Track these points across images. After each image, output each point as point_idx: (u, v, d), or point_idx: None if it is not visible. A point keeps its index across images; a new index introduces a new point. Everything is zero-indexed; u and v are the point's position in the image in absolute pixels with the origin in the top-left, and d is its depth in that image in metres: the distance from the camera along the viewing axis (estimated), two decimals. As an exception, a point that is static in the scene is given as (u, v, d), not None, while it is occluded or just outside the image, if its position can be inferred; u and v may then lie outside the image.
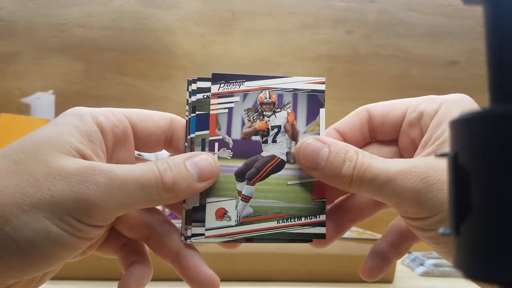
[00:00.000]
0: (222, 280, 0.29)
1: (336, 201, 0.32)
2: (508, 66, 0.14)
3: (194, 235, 0.29)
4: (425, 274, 0.70)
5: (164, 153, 0.33)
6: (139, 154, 0.40)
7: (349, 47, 1.07)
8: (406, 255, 0.80)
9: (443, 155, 0.16)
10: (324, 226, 0.29)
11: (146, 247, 0.31)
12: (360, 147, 0.29)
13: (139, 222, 0.29)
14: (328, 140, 0.28)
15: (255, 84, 0.30)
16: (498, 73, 0.14)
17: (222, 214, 0.29)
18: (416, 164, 0.26)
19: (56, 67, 1.03)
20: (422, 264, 0.72)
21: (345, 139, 0.31)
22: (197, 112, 0.29)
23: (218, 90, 0.30)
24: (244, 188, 0.29)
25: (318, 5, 1.07)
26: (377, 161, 0.26)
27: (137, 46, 1.04)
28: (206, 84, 0.30)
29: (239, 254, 0.60)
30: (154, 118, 0.30)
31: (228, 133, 0.30)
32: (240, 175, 0.29)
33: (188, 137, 0.29)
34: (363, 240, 0.64)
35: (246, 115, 0.30)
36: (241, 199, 0.29)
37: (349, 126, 0.31)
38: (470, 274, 0.14)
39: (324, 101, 0.30)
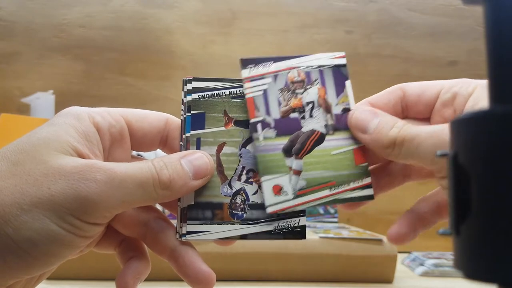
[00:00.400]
0: (222, 280, 0.29)
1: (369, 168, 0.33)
2: (508, 67, 0.14)
3: (189, 232, 0.29)
4: (425, 274, 0.70)
5: (163, 152, 0.33)
6: (138, 154, 0.40)
7: (349, 47, 1.07)
8: (406, 255, 0.80)
9: (443, 155, 0.16)
10: (371, 187, 0.31)
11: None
12: None
13: (134, 220, 0.30)
14: (380, 112, 0.30)
15: (283, 65, 0.31)
16: (498, 73, 0.14)
17: (278, 190, 0.30)
18: None
19: (56, 67, 1.03)
20: (422, 264, 0.72)
21: None
22: (192, 112, 0.30)
23: (249, 74, 0.31)
24: (294, 163, 0.30)
25: (318, 5, 1.07)
26: (420, 126, 0.28)
27: (137, 46, 1.04)
28: (201, 84, 0.30)
29: (239, 254, 0.60)
30: (150, 118, 0.30)
31: (268, 113, 0.31)
32: (287, 151, 0.31)
33: (183, 136, 0.30)
34: (363, 240, 0.64)
35: (280, 94, 0.31)
36: (293, 173, 0.30)
37: (383, 102, 0.32)
38: (470, 274, 0.14)
39: (347, 74, 0.32)
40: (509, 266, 0.13)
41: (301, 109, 0.31)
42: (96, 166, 0.25)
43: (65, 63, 1.03)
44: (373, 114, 0.30)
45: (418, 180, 0.33)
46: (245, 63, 0.31)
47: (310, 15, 1.07)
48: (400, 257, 0.73)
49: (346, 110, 0.31)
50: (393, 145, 0.29)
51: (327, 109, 0.31)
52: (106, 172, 0.25)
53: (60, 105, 0.94)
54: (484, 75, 0.15)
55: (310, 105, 0.31)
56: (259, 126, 0.30)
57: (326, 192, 0.30)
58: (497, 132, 0.13)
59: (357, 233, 0.69)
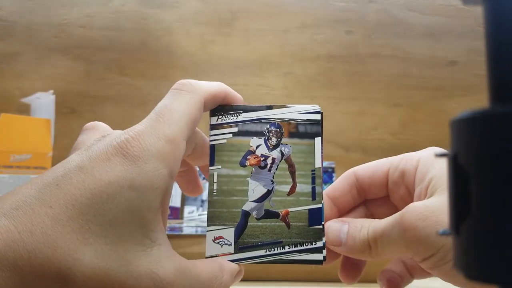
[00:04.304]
0: (222, 280, 0.29)
1: None
2: (508, 66, 0.14)
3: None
4: (425, 274, 0.70)
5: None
6: None
7: (349, 47, 1.07)
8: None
9: (443, 155, 0.16)
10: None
11: None
12: (353, 208, 0.33)
13: None
14: (347, 219, 0.31)
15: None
16: (498, 73, 0.14)
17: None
18: (414, 208, 0.27)
19: (56, 67, 1.03)
20: (422, 264, 0.72)
21: (337, 203, 0.33)
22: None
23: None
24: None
25: (318, 5, 1.07)
26: (384, 220, 0.28)
27: (137, 46, 1.04)
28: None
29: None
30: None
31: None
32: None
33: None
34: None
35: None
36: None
37: (339, 191, 0.33)
38: (470, 274, 0.14)
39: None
40: (509, 266, 0.13)
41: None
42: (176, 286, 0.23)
43: (65, 63, 1.03)
44: (340, 225, 0.30)
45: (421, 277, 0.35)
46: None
47: (310, 15, 1.07)
48: (400, 257, 0.72)
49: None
50: (368, 247, 0.29)
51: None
52: None
53: (60, 105, 0.94)
54: (484, 75, 0.15)
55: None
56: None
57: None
58: (497, 132, 0.13)
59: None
